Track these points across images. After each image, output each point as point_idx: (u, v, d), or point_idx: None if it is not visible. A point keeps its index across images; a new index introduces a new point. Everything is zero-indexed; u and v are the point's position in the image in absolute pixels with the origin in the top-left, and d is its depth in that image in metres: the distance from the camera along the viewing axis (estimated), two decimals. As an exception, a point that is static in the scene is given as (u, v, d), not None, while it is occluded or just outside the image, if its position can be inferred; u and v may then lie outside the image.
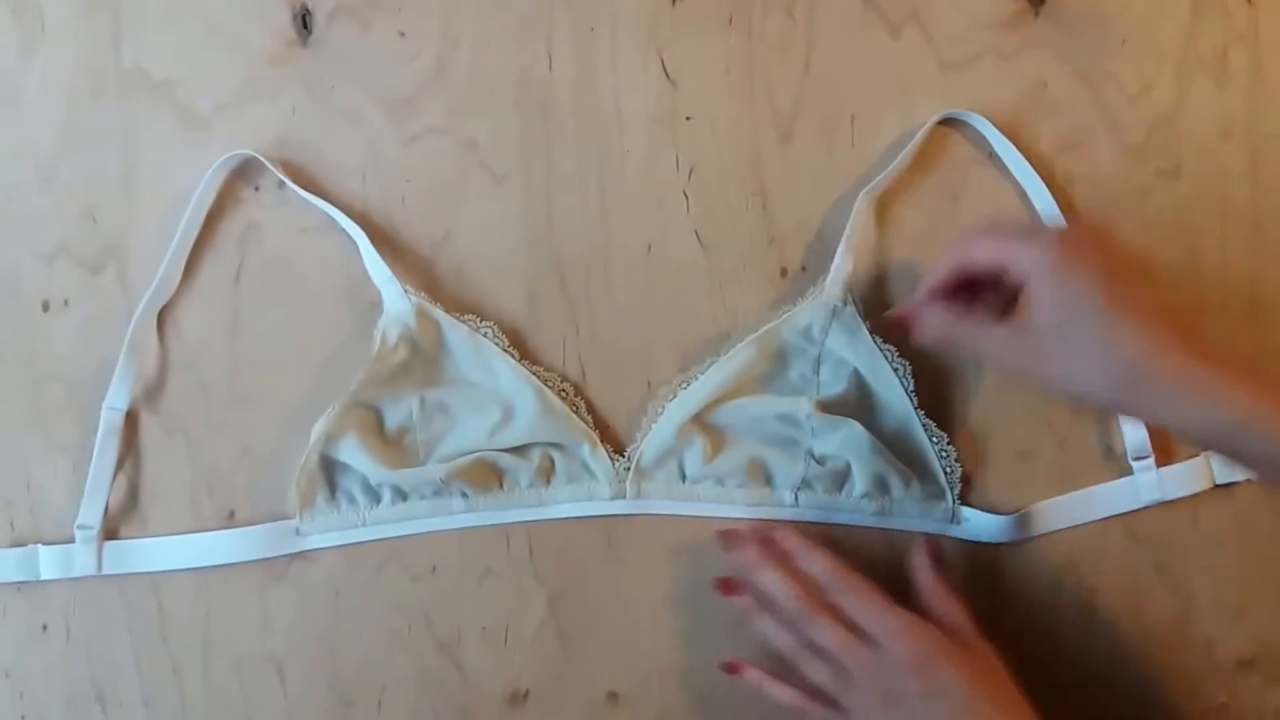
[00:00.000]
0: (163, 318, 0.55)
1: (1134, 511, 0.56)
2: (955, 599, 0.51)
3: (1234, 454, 0.44)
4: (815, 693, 0.50)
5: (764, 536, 0.52)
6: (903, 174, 0.55)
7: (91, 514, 0.54)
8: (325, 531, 0.54)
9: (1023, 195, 0.56)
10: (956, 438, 0.54)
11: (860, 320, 0.53)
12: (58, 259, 0.55)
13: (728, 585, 0.53)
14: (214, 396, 0.55)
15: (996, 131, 0.55)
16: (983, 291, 0.49)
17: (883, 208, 0.56)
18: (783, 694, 0.51)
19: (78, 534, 0.54)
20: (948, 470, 0.53)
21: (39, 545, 0.54)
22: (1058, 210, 0.54)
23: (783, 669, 0.51)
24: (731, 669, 0.53)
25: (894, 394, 0.53)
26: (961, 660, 0.47)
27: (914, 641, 0.47)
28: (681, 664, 0.56)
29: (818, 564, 0.50)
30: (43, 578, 0.54)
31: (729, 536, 0.52)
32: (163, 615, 0.55)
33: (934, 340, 0.48)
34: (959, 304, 0.49)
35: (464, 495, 0.54)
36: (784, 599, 0.50)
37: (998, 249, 0.46)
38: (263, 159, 0.54)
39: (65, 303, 0.55)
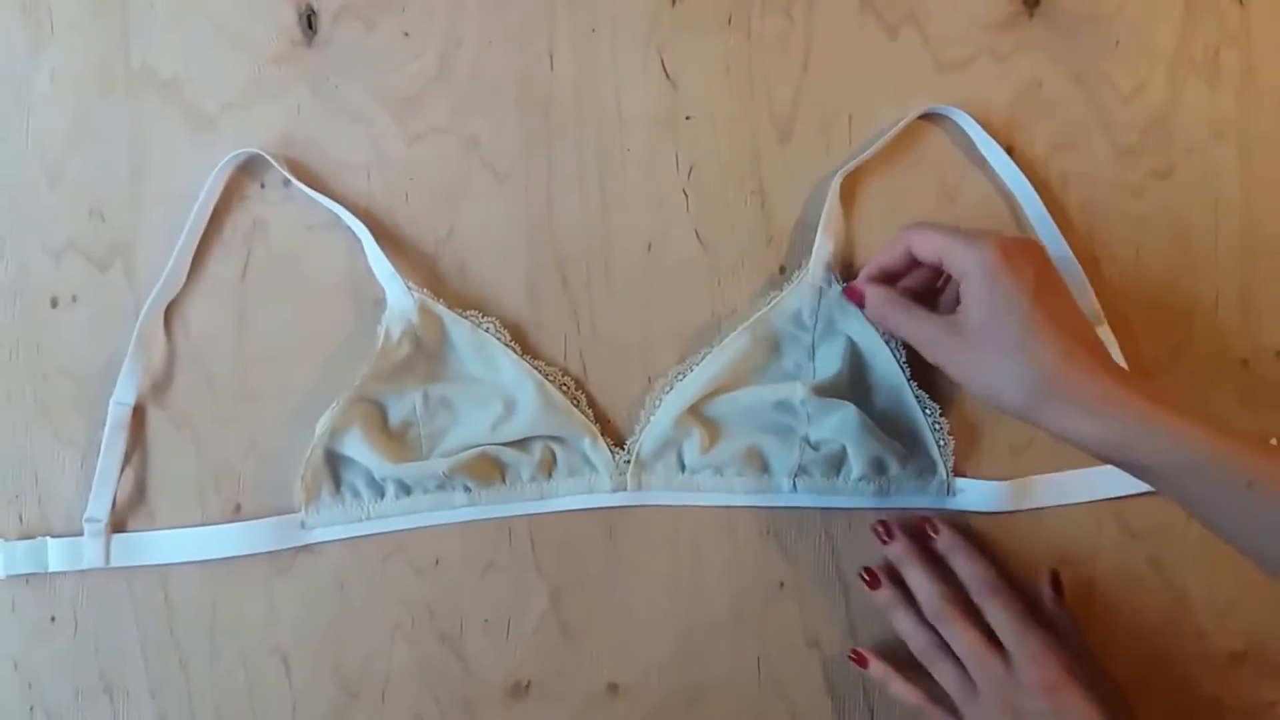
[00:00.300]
0: (170, 313, 0.56)
1: (1129, 506, 0.56)
2: (1081, 628, 0.53)
3: (1130, 465, 0.45)
4: (938, 696, 0.51)
5: (919, 530, 0.54)
6: (898, 170, 0.56)
7: (99, 507, 0.54)
8: (330, 525, 0.55)
9: (1007, 190, 0.56)
10: (952, 433, 0.55)
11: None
12: (66, 255, 0.56)
13: (871, 578, 0.54)
14: (220, 391, 0.56)
15: (977, 126, 0.55)
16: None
17: (879, 203, 0.56)
18: (906, 693, 0.52)
19: (86, 527, 0.54)
20: (941, 443, 0.54)
21: (47, 538, 0.55)
22: (1040, 204, 0.55)
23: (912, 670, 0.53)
24: (859, 660, 0.54)
25: (888, 367, 0.54)
26: (1087, 690, 0.49)
27: (1048, 666, 0.49)
28: (681, 655, 0.56)
29: (969, 566, 0.52)
30: (51, 570, 0.55)
31: (883, 528, 0.54)
32: (169, 607, 0.56)
33: (873, 316, 0.52)
34: (916, 291, 0.52)
35: (467, 489, 0.55)
36: (926, 597, 0.52)
37: (940, 244, 0.48)
38: (268, 157, 0.54)
39: (73, 299, 0.56)
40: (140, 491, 0.56)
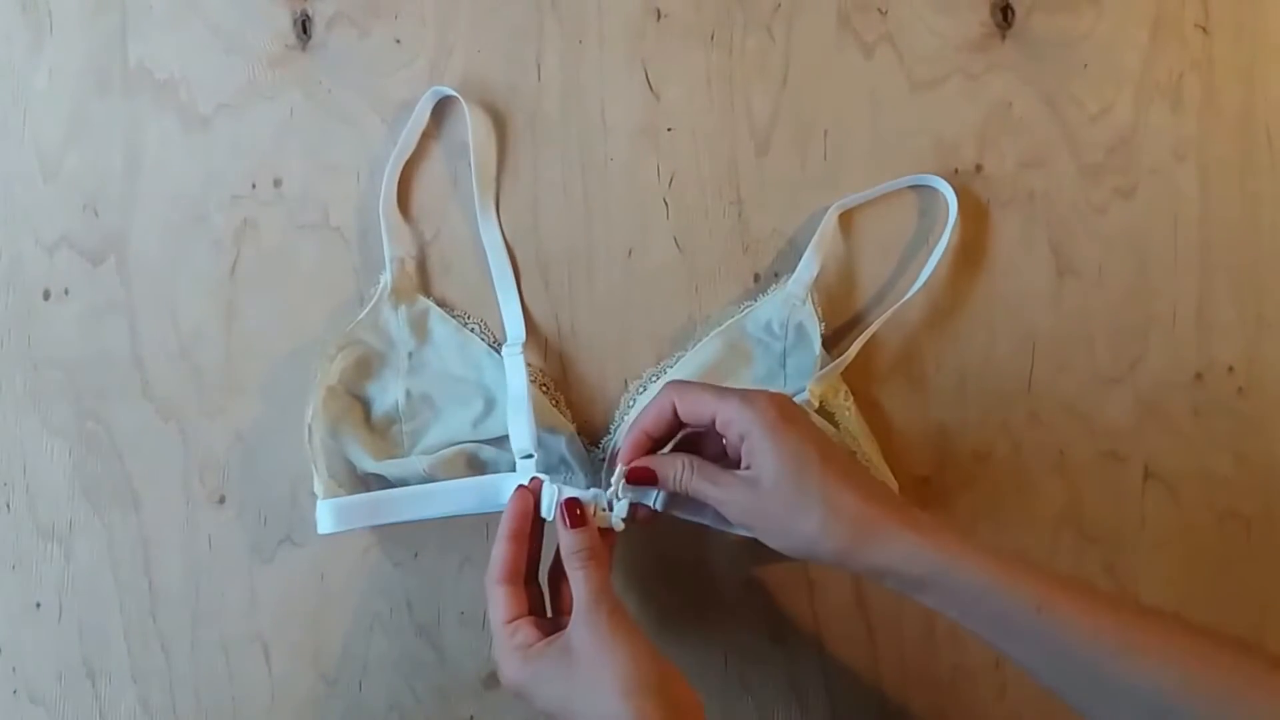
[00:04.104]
0: (159, 307, 0.57)
1: (1085, 513, 0.58)
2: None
3: (931, 594, 0.46)
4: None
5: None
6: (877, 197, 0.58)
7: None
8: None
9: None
10: (916, 438, 0.57)
11: (817, 320, 0.55)
12: (60, 249, 0.57)
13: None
14: (207, 384, 0.57)
15: (954, 200, 0.57)
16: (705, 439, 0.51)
17: (855, 215, 0.58)
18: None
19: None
20: None
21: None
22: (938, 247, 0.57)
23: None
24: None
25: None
26: None
27: None
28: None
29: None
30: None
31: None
32: (153, 594, 0.57)
33: (681, 489, 0.49)
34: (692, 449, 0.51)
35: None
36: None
37: (713, 404, 0.48)
38: (464, 100, 0.55)
39: (65, 291, 0.57)
40: (126, 480, 0.57)
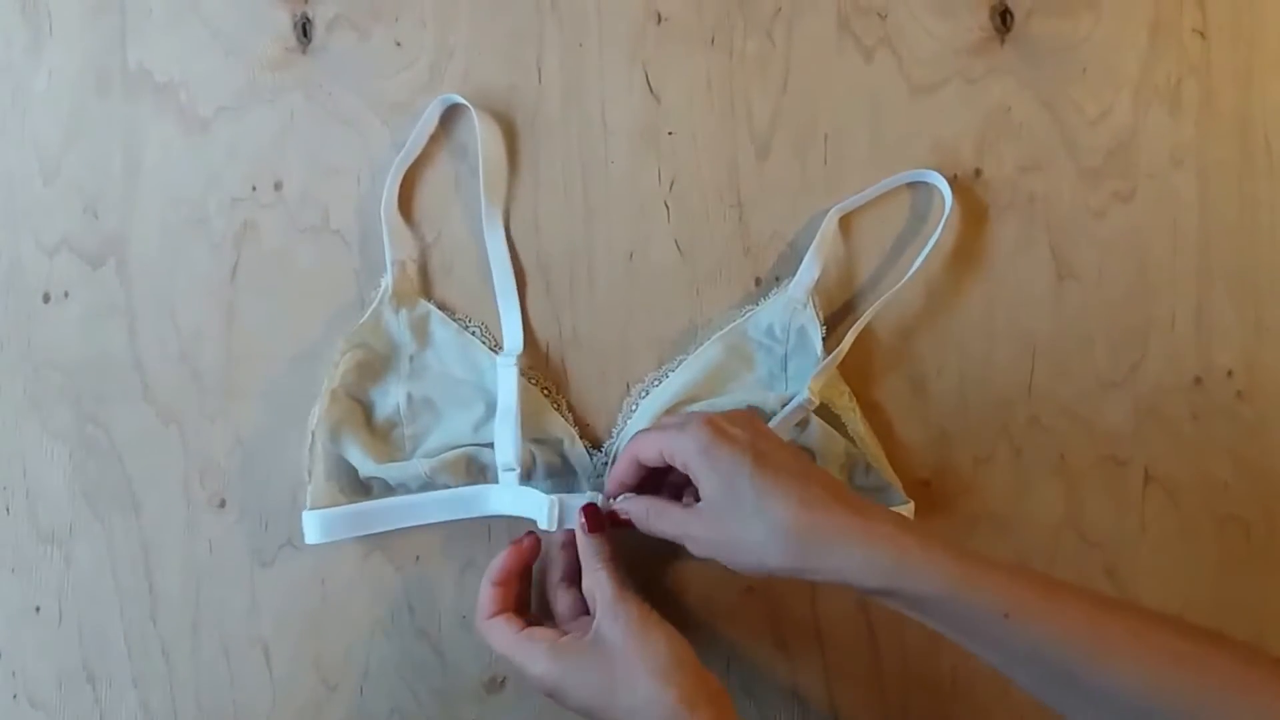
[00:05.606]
0: (159, 310, 0.57)
1: (1086, 516, 0.58)
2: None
3: (894, 596, 0.44)
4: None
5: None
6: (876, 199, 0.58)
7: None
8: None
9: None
10: (917, 443, 0.57)
11: (818, 323, 0.55)
12: (59, 252, 0.57)
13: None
14: (207, 387, 0.57)
15: (949, 194, 0.57)
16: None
17: (855, 220, 0.58)
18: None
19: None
20: None
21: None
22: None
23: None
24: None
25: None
26: None
27: None
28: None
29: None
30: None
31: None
32: (153, 598, 0.57)
33: (645, 529, 0.50)
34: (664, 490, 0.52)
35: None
36: None
37: (658, 442, 0.48)
38: (474, 110, 0.55)
39: (65, 294, 0.57)
40: (126, 484, 0.57)
